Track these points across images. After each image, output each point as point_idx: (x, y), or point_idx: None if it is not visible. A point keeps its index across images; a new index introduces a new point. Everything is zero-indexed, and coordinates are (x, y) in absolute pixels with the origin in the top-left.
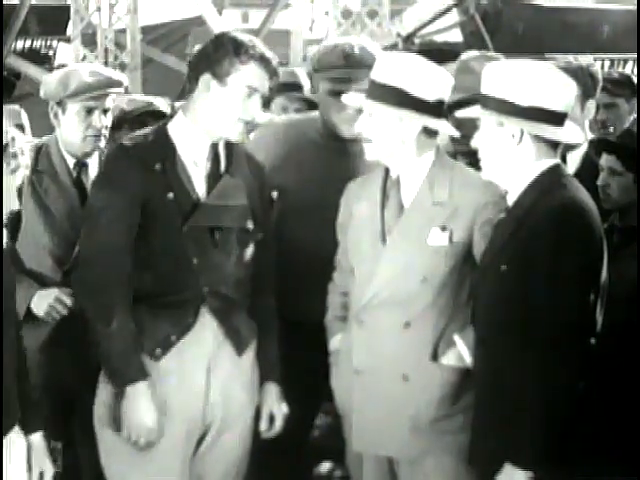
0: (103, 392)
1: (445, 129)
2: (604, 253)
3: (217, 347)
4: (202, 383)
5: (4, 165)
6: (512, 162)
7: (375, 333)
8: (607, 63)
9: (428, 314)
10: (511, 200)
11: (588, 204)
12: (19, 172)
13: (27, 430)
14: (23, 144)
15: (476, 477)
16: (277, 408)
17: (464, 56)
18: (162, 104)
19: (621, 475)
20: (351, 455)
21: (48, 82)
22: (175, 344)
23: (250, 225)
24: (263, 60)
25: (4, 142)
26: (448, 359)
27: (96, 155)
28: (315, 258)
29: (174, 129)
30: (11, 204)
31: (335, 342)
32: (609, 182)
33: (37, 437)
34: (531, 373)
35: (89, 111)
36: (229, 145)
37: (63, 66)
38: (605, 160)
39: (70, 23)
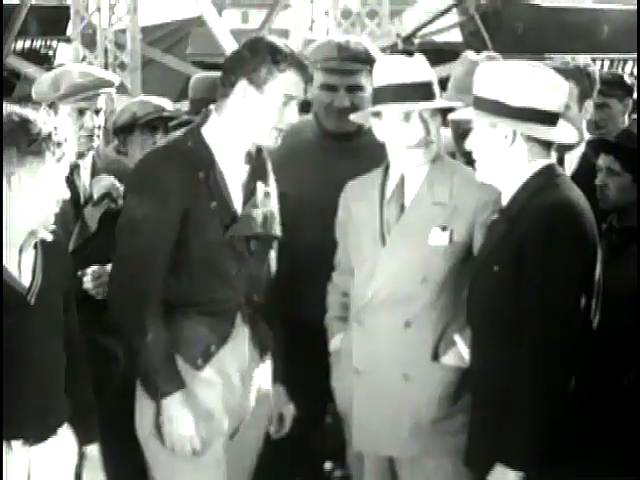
0: (144, 403)
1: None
2: (597, 253)
3: (249, 354)
4: (239, 390)
5: (50, 155)
6: (505, 163)
7: (375, 333)
8: (607, 63)
9: (428, 314)
10: (505, 201)
11: (579, 204)
12: (65, 160)
13: (84, 440)
14: (67, 133)
15: (475, 477)
16: (286, 409)
17: (472, 57)
18: (170, 106)
19: (620, 475)
20: (352, 455)
21: (39, 84)
22: (215, 354)
23: (279, 232)
24: (300, 67)
25: (47, 132)
26: (448, 359)
27: (90, 155)
28: (315, 258)
29: (210, 135)
30: (61, 193)
31: (335, 342)
32: (607, 182)
33: (93, 448)
34: (522, 373)
35: (81, 112)
36: (258, 151)
37: (62, 66)
38: (603, 160)
39: (70, 23)
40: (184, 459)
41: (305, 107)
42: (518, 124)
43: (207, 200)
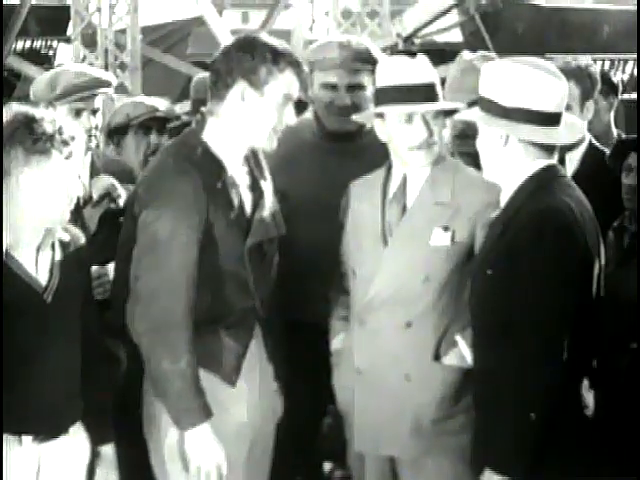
0: (164, 427)
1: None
2: (593, 256)
3: (264, 357)
4: (259, 395)
5: (57, 153)
6: (502, 163)
7: (377, 333)
8: (607, 63)
9: (430, 314)
10: (503, 202)
11: (571, 207)
12: (75, 158)
13: (98, 440)
14: (75, 131)
15: (477, 477)
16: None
17: (467, 56)
18: (163, 106)
19: (620, 475)
20: (352, 455)
21: (37, 84)
22: (242, 365)
23: (284, 229)
24: (297, 65)
25: (52, 131)
26: (450, 359)
27: (89, 156)
28: (316, 259)
29: (213, 141)
30: (73, 190)
31: (337, 342)
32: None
33: (108, 449)
34: (508, 375)
35: (77, 112)
36: (253, 150)
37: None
38: (634, 160)
39: (70, 23)
40: None
41: (301, 108)
42: (509, 125)
43: (226, 210)
